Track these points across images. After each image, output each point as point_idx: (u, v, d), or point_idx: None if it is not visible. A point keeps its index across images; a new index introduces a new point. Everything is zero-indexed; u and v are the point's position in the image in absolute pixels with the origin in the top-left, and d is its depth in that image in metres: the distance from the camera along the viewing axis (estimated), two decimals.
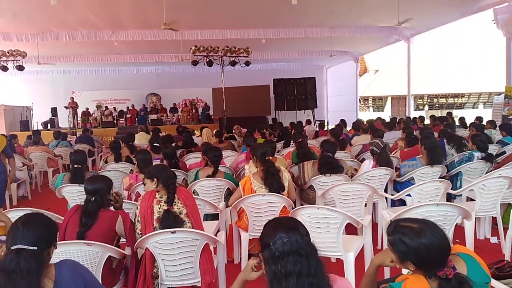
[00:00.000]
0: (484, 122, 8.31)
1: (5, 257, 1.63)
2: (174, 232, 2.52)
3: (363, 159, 5.50)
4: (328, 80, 22.28)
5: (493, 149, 5.52)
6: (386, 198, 4.27)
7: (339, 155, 4.98)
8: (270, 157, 3.80)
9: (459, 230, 3.48)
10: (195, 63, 12.99)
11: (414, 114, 16.78)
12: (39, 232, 1.70)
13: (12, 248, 1.63)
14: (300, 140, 5.54)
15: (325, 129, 10.36)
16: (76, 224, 2.59)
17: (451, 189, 3.97)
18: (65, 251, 2.39)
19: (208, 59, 12.75)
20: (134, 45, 13.32)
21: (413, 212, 2.83)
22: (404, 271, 1.74)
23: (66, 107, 16.94)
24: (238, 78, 16.88)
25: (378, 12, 10.74)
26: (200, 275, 2.62)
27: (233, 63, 13.19)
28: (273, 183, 3.51)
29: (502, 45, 10.94)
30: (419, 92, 27.44)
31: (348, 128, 10.05)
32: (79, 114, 17.35)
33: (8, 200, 6.45)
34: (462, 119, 9.55)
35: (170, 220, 2.65)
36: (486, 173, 4.48)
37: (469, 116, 11.46)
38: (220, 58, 13.01)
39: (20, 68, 12.39)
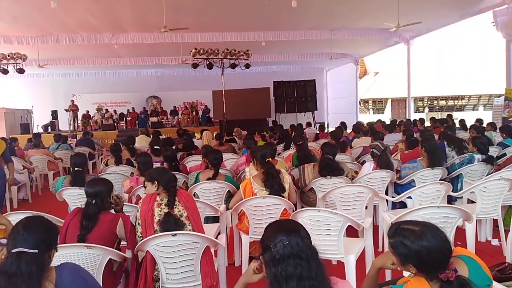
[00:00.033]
0: (484, 124, 8.32)
1: (5, 260, 1.63)
2: (175, 235, 2.52)
3: (364, 162, 5.49)
4: (328, 82, 22.30)
5: (493, 151, 5.52)
6: (386, 200, 4.26)
7: (339, 157, 4.97)
8: (270, 159, 3.80)
9: (460, 232, 3.48)
10: (195, 65, 13.01)
11: (414, 116, 16.82)
12: (40, 235, 1.70)
13: (13, 251, 1.63)
14: (300, 142, 5.54)
15: (326, 131, 10.37)
16: (77, 227, 2.59)
17: (452, 191, 3.96)
18: (65, 254, 2.39)
19: (208, 62, 12.77)
20: (134, 48, 13.36)
21: (414, 215, 2.83)
22: (406, 273, 1.74)
23: (66, 110, 16.95)
24: (238, 80, 16.91)
25: (378, 14, 10.77)
26: (201, 278, 2.62)
27: (233, 66, 13.21)
28: (273, 184, 3.51)
29: (502, 47, 10.96)
30: (419, 95, 27.46)
31: (349, 131, 10.05)
32: (80, 117, 17.35)
33: (9, 203, 6.45)
34: (462, 121, 9.56)
35: (170, 223, 2.65)
36: (487, 175, 4.48)
37: (469, 118, 11.48)
38: (220, 61, 13.03)
39: (21, 71, 12.42)
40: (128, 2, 9.04)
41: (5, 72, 12.20)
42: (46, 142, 10.29)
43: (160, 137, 8.45)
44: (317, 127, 12.68)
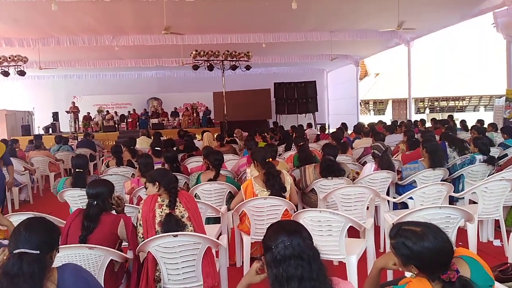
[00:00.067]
0: (485, 125, 8.31)
1: (7, 261, 1.63)
2: (176, 235, 2.52)
3: (365, 162, 5.49)
4: (328, 83, 22.31)
5: (494, 151, 5.52)
6: (388, 201, 4.26)
7: (340, 158, 4.97)
8: (271, 160, 3.80)
9: (462, 233, 3.47)
10: (195, 67, 13.03)
11: (415, 117, 16.80)
12: (42, 236, 1.70)
13: (14, 252, 1.63)
14: (301, 143, 5.54)
15: (326, 132, 10.37)
16: (78, 228, 2.59)
17: (454, 192, 3.96)
18: (67, 255, 2.39)
19: (208, 64, 12.79)
20: (135, 50, 13.37)
21: (415, 215, 2.82)
22: (407, 273, 1.73)
23: (67, 112, 16.96)
24: (239, 82, 16.91)
25: (378, 16, 10.77)
26: (203, 279, 2.62)
27: (233, 67, 13.22)
28: (274, 184, 3.52)
29: (502, 48, 10.96)
30: (420, 96, 27.47)
31: (349, 132, 10.05)
32: (81, 118, 17.35)
33: (10, 204, 6.46)
34: (463, 122, 9.55)
35: (172, 224, 2.65)
36: (488, 175, 4.48)
37: (470, 119, 11.47)
38: (221, 63, 13.04)
39: (22, 73, 12.43)
40: (129, 5, 9.06)
41: (6, 74, 12.21)
42: (47, 144, 10.31)
43: (161, 138, 8.45)
44: (318, 128, 12.67)
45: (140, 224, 2.73)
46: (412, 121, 11.26)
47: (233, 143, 8.25)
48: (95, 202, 2.67)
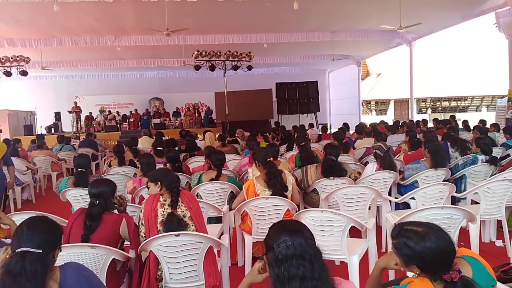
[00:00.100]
0: (487, 125, 8.29)
1: (10, 260, 1.64)
2: (178, 235, 2.52)
3: (367, 162, 5.48)
4: (330, 83, 22.30)
5: (497, 152, 5.50)
6: (390, 201, 4.25)
7: (342, 158, 4.97)
8: (272, 159, 3.81)
9: (464, 233, 3.46)
10: (197, 67, 13.05)
11: (417, 117, 16.75)
12: (44, 235, 1.71)
13: (17, 250, 1.64)
14: (303, 143, 5.54)
15: (328, 132, 10.36)
16: (81, 227, 2.60)
17: (456, 192, 3.95)
18: (69, 253, 2.40)
19: (210, 64, 12.81)
20: (137, 50, 13.40)
21: (417, 215, 2.82)
22: (409, 273, 1.73)
23: (69, 112, 17.01)
24: (241, 82, 16.93)
25: (380, 16, 10.76)
26: (204, 278, 2.62)
27: (235, 68, 13.24)
28: (276, 184, 3.52)
29: (505, 48, 10.93)
30: (421, 96, 27.41)
31: (351, 132, 10.04)
32: (83, 118, 17.40)
33: (13, 204, 6.49)
34: (465, 122, 9.53)
35: (174, 223, 2.65)
36: (491, 176, 4.47)
37: (473, 119, 11.44)
38: (223, 63, 13.06)
39: (24, 73, 12.47)
40: (131, 5, 9.07)
41: (9, 74, 12.27)
42: (49, 144, 10.33)
43: (163, 138, 8.46)
44: (320, 128, 12.66)
45: (142, 224, 2.73)
46: (414, 121, 11.25)
47: (234, 143, 8.25)
48: (97, 201, 2.68)
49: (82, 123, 17.22)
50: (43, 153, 8.09)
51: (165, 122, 18.08)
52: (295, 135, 8.73)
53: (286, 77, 18.81)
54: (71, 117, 17.06)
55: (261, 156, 3.76)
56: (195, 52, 12.25)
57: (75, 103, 17.50)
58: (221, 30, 11.88)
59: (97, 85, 19.84)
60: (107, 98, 19.89)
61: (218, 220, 3.91)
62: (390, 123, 11.83)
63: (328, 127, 15.03)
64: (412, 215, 2.83)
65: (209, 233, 2.80)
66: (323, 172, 4.15)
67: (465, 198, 4.25)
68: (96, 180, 3.02)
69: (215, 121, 18.11)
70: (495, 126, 7.97)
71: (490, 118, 13.02)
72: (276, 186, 3.52)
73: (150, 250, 2.57)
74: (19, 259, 1.61)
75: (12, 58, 11.93)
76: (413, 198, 3.82)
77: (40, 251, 1.64)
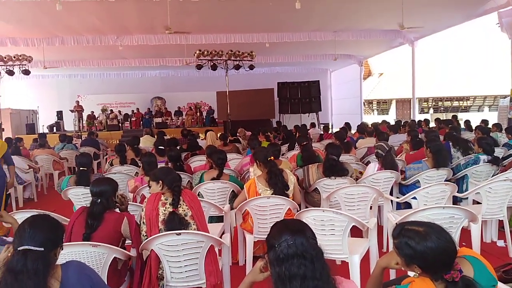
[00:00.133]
0: (490, 125, 8.27)
1: (12, 258, 1.65)
2: (180, 234, 2.53)
3: (368, 162, 5.48)
4: (332, 83, 22.28)
5: (499, 152, 5.49)
6: (391, 201, 4.25)
7: (343, 158, 4.97)
8: (274, 159, 3.81)
9: (466, 233, 3.46)
10: (199, 67, 13.04)
11: (419, 117, 16.72)
12: (46, 234, 1.71)
13: (19, 249, 1.64)
14: (304, 143, 5.54)
15: (330, 132, 10.35)
16: (82, 226, 2.61)
17: (457, 192, 3.94)
18: (71, 252, 2.41)
19: (212, 63, 12.79)
20: (139, 49, 13.40)
21: (419, 215, 2.82)
22: (411, 273, 1.73)
23: (71, 111, 17.05)
24: (242, 81, 16.92)
25: (382, 15, 10.74)
26: (205, 277, 2.62)
27: (237, 67, 13.22)
28: (277, 183, 3.52)
29: (507, 48, 10.89)
30: (423, 96, 27.36)
31: (353, 131, 10.03)
32: (85, 117, 17.43)
33: (14, 202, 6.51)
34: (467, 122, 9.51)
35: (175, 222, 2.66)
36: (493, 176, 4.46)
37: (475, 119, 11.41)
38: (224, 62, 13.04)
39: (26, 72, 12.48)
40: (133, 4, 9.08)
41: (11, 73, 12.27)
42: (51, 142, 10.36)
43: (165, 137, 8.47)
44: (321, 127, 12.65)
45: (143, 222, 2.74)
46: (416, 121, 11.23)
47: (236, 142, 8.26)
48: (99, 200, 2.68)
49: (84, 122, 17.25)
50: (45, 151, 8.12)
51: (166, 121, 18.09)
52: (297, 135, 8.73)
53: (288, 76, 18.80)
54: (73, 116, 17.10)
55: (261, 156, 3.76)
56: (197, 52, 12.24)
57: (77, 102, 17.54)
58: (223, 29, 11.88)
59: (99, 84, 19.87)
60: (109, 97, 19.93)
61: (219, 219, 3.92)
62: (392, 123, 11.82)
63: (330, 126, 15.02)
64: (413, 215, 2.83)
65: (210, 232, 2.81)
66: (324, 172, 4.15)
67: (467, 198, 4.24)
68: (98, 179, 3.02)
69: (216, 120, 18.11)
70: (497, 126, 7.95)
71: (492, 118, 12.95)
72: (277, 185, 3.52)
73: (152, 249, 2.57)
74: (21, 257, 1.62)
75: (14, 57, 11.94)
76: (414, 198, 3.82)
77: (42, 249, 1.65)
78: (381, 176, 4.34)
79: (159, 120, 17.89)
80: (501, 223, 3.99)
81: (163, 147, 5.73)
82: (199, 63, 12.84)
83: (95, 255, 2.45)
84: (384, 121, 11.78)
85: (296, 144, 6.71)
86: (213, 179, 4.15)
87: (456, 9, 10.30)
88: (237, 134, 9.56)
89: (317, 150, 5.66)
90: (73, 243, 2.48)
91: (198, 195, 3.96)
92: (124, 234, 2.70)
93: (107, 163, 6.27)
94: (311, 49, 15.51)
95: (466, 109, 29.72)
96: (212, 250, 2.67)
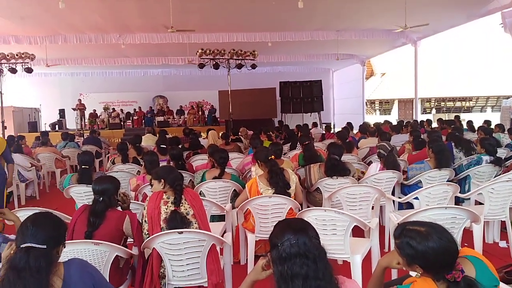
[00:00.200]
0: (492, 126, 8.25)
1: (15, 255, 1.65)
2: (181, 232, 2.53)
3: (370, 162, 5.47)
4: (334, 83, 22.25)
5: (501, 152, 5.48)
6: (393, 201, 4.25)
7: (345, 157, 4.96)
8: (275, 158, 3.81)
9: (468, 234, 3.46)
10: (201, 66, 13.03)
11: (421, 117, 16.71)
12: (48, 231, 1.72)
13: (21, 246, 1.65)
14: (306, 142, 5.53)
15: (332, 131, 10.34)
16: (84, 224, 2.61)
17: (459, 192, 3.93)
18: (73, 250, 2.41)
19: (214, 62, 12.79)
20: (141, 48, 13.42)
21: (420, 215, 2.81)
22: (412, 273, 1.73)
23: (73, 109, 17.08)
24: (245, 81, 16.92)
25: (385, 15, 10.72)
26: (207, 276, 2.63)
27: (239, 66, 13.21)
28: (278, 182, 3.52)
29: (510, 49, 10.87)
30: (426, 96, 27.32)
31: (355, 131, 10.02)
32: (87, 115, 17.48)
33: (17, 200, 6.53)
34: (470, 123, 9.49)
35: (177, 221, 2.66)
36: (495, 176, 4.45)
37: (477, 119, 11.38)
38: (227, 61, 13.04)
39: (29, 70, 12.52)
40: (135, 3, 9.10)
41: (14, 71, 12.31)
42: (53, 140, 10.38)
43: (167, 136, 8.48)
44: (323, 127, 12.64)
45: (145, 221, 2.74)
46: (418, 121, 11.20)
47: (238, 141, 8.26)
48: (101, 198, 2.69)
49: (86, 120, 17.30)
50: (47, 150, 8.14)
51: (168, 120, 18.12)
52: (299, 134, 8.72)
53: (290, 76, 18.80)
54: (75, 114, 17.13)
55: (262, 155, 3.76)
56: (199, 50, 12.25)
57: (79, 100, 17.58)
58: (226, 28, 11.88)
59: (102, 83, 19.92)
60: (111, 96, 19.98)
61: (221, 218, 3.92)
62: (394, 123, 11.79)
63: (332, 126, 14.98)
64: (415, 215, 2.83)
65: (212, 231, 2.81)
66: (326, 171, 4.15)
67: (469, 198, 4.23)
68: (100, 177, 3.03)
69: (218, 119, 18.13)
70: (500, 127, 7.92)
71: (495, 118, 12.94)
72: (279, 184, 3.52)
73: (153, 247, 2.58)
74: (23, 255, 1.62)
75: (17, 55, 11.98)
76: (416, 198, 3.81)
77: (45, 247, 1.65)
78: (383, 176, 4.33)
79: (161, 118, 17.92)
80: (503, 224, 3.98)
81: (165, 146, 5.73)
82: (201, 62, 12.84)
83: (97, 253, 2.45)
84: (386, 121, 11.77)
85: (298, 143, 6.70)
86: (214, 178, 4.15)
87: (459, 9, 10.27)
88: (239, 133, 9.56)
89: (319, 149, 5.66)
90: (75, 241, 2.49)
91: (200, 194, 3.96)
92: (126, 233, 2.70)
93: (109, 161, 6.28)
94: (314, 48, 15.49)
95: (468, 110, 29.67)
96: (214, 249, 2.67)
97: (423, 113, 27.02)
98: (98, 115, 18.06)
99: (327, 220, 2.93)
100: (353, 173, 4.30)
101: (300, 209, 3.51)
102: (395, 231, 1.72)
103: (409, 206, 4.14)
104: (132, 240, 2.77)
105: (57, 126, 17.20)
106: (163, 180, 2.78)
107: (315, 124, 13.21)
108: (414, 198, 3.85)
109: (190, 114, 18.51)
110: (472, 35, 23.90)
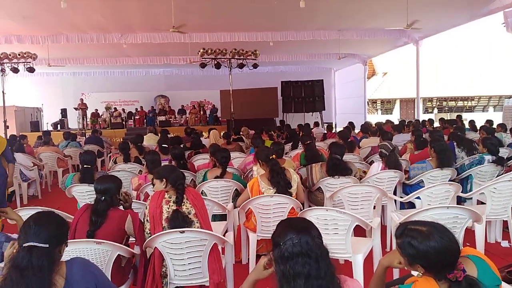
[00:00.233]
0: (494, 125, 8.23)
1: (17, 254, 1.65)
2: (183, 232, 2.53)
3: (372, 162, 5.47)
4: (336, 82, 22.22)
5: (504, 152, 5.47)
6: (395, 200, 4.24)
7: (347, 157, 4.96)
8: (277, 157, 3.81)
9: (470, 233, 3.45)
10: (203, 65, 13.03)
11: (423, 117, 16.67)
12: (51, 230, 1.72)
13: (24, 245, 1.65)
14: (308, 142, 5.53)
15: (333, 131, 10.33)
16: (86, 223, 2.62)
17: (461, 192, 3.93)
18: (75, 249, 2.42)
19: (216, 62, 12.79)
20: (143, 47, 13.43)
21: (422, 215, 2.81)
22: (414, 272, 1.73)
23: (75, 109, 17.13)
24: (246, 80, 16.92)
25: (387, 14, 10.70)
26: (209, 275, 2.63)
27: (241, 66, 13.21)
28: (279, 181, 3.52)
29: None
30: (428, 95, 27.25)
31: (357, 131, 10.01)
32: (89, 115, 17.51)
33: (19, 199, 6.55)
34: (472, 122, 9.47)
35: (179, 220, 2.66)
36: (497, 176, 4.44)
37: (479, 119, 11.35)
38: (228, 61, 13.03)
39: (31, 70, 12.54)
40: (137, 2, 9.10)
41: (16, 71, 12.33)
42: (55, 140, 10.39)
43: (168, 135, 8.49)
44: (325, 127, 12.63)
45: (147, 220, 2.75)
46: (420, 120, 11.18)
47: (239, 141, 8.26)
48: (103, 197, 2.69)
49: (88, 120, 17.32)
50: (49, 149, 8.15)
51: (170, 119, 18.13)
52: (300, 134, 8.72)
53: (292, 75, 18.78)
54: (77, 114, 17.18)
55: (263, 155, 3.77)
56: (201, 50, 12.25)
57: (81, 100, 17.62)
58: (227, 28, 11.88)
59: (103, 82, 19.94)
60: (113, 95, 20.01)
61: (222, 217, 3.93)
62: (396, 122, 11.78)
63: (334, 126, 14.98)
64: (417, 215, 2.82)
65: (214, 230, 2.81)
66: (328, 171, 4.15)
67: (471, 198, 4.23)
68: (102, 176, 3.04)
69: (220, 119, 18.14)
70: (502, 126, 7.91)
71: (497, 118, 12.90)
72: (280, 184, 3.52)
73: (155, 247, 2.58)
74: (26, 254, 1.63)
75: (19, 54, 11.99)
76: (418, 197, 3.81)
77: (47, 246, 1.66)
78: (384, 176, 4.33)
79: (162, 118, 17.94)
80: (505, 223, 3.97)
81: (166, 145, 5.74)
82: (203, 61, 12.84)
83: (99, 252, 2.46)
84: (388, 121, 11.75)
85: (300, 143, 6.71)
86: (216, 177, 4.16)
87: (462, 9, 10.25)
88: (241, 133, 9.56)
89: (320, 149, 5.65)
90: (77, 240, 2.50)
91: (202, 193, 3.97)
92: (128, 232, 2.71)
93: (111, 161, 6.30)
94: (315, 48, 15.47)
95: (470, 109, 29.59)
96: (215, 248, 2.67)
97: (425, 113, 26.95)
98: (100, 114, 18.08)
99: (329, 220, 2.93)
100: (355, 173, 4.30)
101: (302, 208, 3.51)
102: (396, 230, 1.72)
103: (411, 205, 4.14)
104: (134, 239, 2.78)
105: (59, 125, 17.23)
106: (165, 180, 2.79)
107: (316, 124, 13.21)
108: (416, 198, 3.85)
109: (191, 114, 18.52)
110: (474, 34, 23.83)
